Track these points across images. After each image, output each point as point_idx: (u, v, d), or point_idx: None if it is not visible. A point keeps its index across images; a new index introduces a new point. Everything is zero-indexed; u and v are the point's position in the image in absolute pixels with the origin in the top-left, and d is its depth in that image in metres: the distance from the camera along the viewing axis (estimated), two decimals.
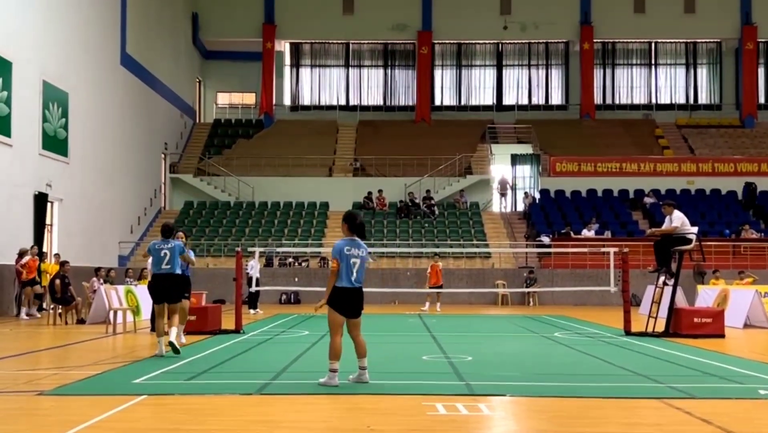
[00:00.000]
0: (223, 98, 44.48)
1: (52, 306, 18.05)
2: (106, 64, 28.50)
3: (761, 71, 41.68)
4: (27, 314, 19.28)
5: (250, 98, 43.77)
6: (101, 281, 18.25)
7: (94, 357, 10.90)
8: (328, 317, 8.04)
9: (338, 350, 7.97)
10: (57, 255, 20.95)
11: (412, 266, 29.26)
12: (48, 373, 9.17)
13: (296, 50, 43.23)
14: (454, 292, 26.60)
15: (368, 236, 31.05)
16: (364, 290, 8.19)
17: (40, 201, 22.72)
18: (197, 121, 42.07)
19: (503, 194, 36.05)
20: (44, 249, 22.68)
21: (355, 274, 7.96)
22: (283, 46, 42.65)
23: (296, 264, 30.18)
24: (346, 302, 7.97)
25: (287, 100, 42.95)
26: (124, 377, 8.76)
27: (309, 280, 28.25)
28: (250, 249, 19.57)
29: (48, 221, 23.74)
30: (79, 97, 25.61)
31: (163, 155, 35.91)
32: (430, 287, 22.78)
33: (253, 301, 22.03)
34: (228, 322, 15.41)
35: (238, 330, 14.61)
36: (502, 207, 36.07)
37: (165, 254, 10.68)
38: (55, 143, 23.98)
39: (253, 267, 21.00)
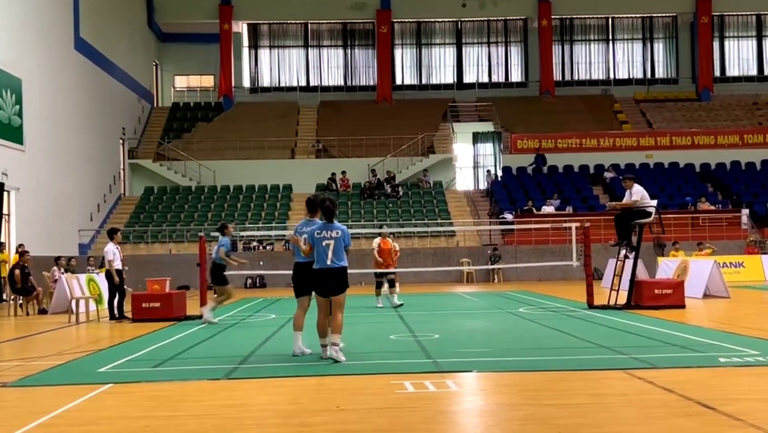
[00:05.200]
0: (181, 81, 43.83)
1: (12, 297, 17.75)
2: (60, 49, 27.89)
3: (716, 45, 42.26)
4: None
5: (208, 81, 43.22)
6: (62, 270, 17.98)
7: (57, 347, 10.76)
8: None
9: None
10: (21, 245, 20.50)
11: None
12: (11, 364, 9.03)
13: (254, 31, 42.73)
14: (420, 271, 26.70)
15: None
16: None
17: None
18: (155, 105, 41.44)
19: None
20: (2, 239, 22.25)
21: (329, 254, 8.52)
22: (241, 27, 42.12)
23: (261, 248, 30.03)
24: (314, 281, 8.60)
25: (246, 82, 42.49)
26: (89, 366, 8.67)
27: (274, 263, 28.09)
28: (213, 234, 19.39)
29: (5, 211, 23.26)
30: (33, 84, 25.04)
31: (121, 141, 35.34)
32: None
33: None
34: (193, 308, 15.31)
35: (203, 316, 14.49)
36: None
37: None
38: (9, 131, 23.44)
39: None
